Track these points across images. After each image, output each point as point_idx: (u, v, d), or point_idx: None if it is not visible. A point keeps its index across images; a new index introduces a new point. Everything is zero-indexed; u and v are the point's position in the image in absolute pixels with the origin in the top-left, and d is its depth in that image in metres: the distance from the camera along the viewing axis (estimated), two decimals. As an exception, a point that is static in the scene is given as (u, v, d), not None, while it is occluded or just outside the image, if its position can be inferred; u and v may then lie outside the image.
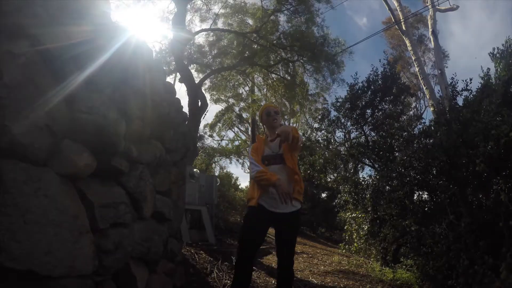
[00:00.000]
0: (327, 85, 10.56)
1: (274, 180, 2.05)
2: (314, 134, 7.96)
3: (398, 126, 5.65)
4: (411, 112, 10.39)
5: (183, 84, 8.16)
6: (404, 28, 10.17)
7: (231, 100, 16.14)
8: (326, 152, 7.29)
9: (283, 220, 2.16)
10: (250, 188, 2.31)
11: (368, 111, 6.51)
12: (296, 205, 2.19)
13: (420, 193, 4.76)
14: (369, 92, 6.41)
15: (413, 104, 16.84)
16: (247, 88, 15.16)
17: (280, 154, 2.25)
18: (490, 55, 4.61)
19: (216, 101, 13.64)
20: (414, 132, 5.40)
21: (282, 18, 9.51)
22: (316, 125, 8.18)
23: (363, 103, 6.42)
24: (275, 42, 9.32)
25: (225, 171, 16.49)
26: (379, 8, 37.01)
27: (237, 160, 19.56)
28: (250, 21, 9.97)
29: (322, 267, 4.96)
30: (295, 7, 8.79)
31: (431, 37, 10.20)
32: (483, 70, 4.50)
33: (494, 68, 4.51)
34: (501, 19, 33.59)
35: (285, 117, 19.07)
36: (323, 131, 7.39)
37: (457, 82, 4.94)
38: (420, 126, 5.59)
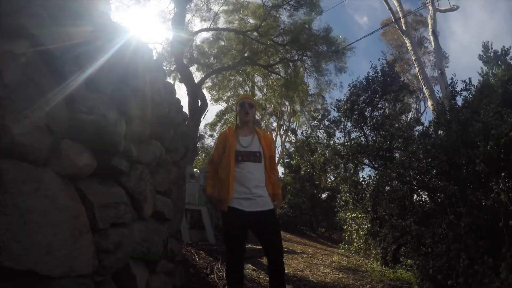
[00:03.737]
0: (328, 81, 10.52)
1: (207, 192, 2.17)
2: (314, 132, 7.96)
3: (398, 126, 5.66)
4: (410, 114, 10.39)
5: (183, 84, 8.17)
6: (404, 28, 10.17)
7: (231, 100, 16.13)
8: (326, 152, 7.30)
9: (262, 217, 2.09)
10: (220, 189, 2.18)
11: (368, 109, 6.51)
12: (272, 205, 2.17)
13: (420, 193, 4.77)
14: (369, 92, 6.42)
15: (414, 106, 16.87)
16: (247, 88, 15.16)
17: (257, 152, 2.18)
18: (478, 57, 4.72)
19: (216, 101, 13.64)
20: (414, 133, 5.41)
21: (283, 14, 9.49)
22: (315, 123, 8.20)
23: (362, 101, 6.43)
24: (275, 39, 9.28)
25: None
26: (379, 7, 37.05)
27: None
28: (251, 20, 9.95)
29: (322, 267, 4.96)
30: (296, 1, 8.75)
31: (431, 37, 10.20)
32: (466, 82, 4.60)
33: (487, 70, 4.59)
34: (502, 18, 33.62)
35: (284, 117, 19.07)
36: (322, 130, 7.41)
37: (457, 82, 4.96)
38: (420, 127, 5.61)
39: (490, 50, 4.63)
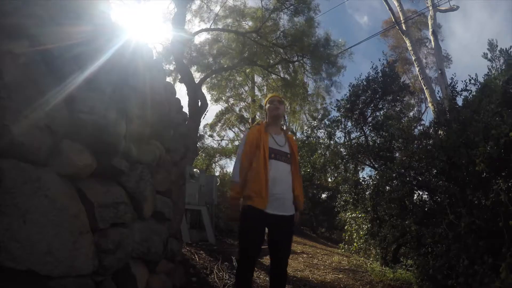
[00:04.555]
0: (326, 87, 10.61)
1: (230, 203, 2.07)
2: (315, 132, 7.97)
3: (398, 127, 5.66)
4: (411, 114, 10.41)
5: (183, 84, 8.17)
6: (404, 28, 10.17)
7: (231, 100, 16.14)
8: (327, 152, 7.30)
9: (282, 223, 2.07)
10: (253, 181, 2.05)
11: (368, 110, 6.51)
12: (293, 210, 2.15)
13: (420, 193, 4.76)
14: (369, 92, 6.41)
15: (415, 107, 16.87)
16: (247, 88, 15.16)
17: (288, 154, 2.20)
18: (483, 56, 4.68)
19: (216, 101, 13.64)
20: (414, 133, 5.40)
21: (282, 17, 9.51)
22: (315, 123, 8.20)
23: (362, 101, 6.43)
24: (274, 41, 9.31)
25: (225, 171, 16.48)
26: (380, 6, 37.07)
27: (237, 160, 19.49)
28: (250, 22, 9.98)
29: (322, 267, 4.96)
30: (295, 6, 8.78)
31: (431, 37, 10.20)
32: (466, 82, 4.56)
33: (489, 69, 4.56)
34: (503, 18, 33.65)
35: (285, 117, 19.06)
36: (322, 130, 7.42)
37: (457, 83, 4.96)
38: (420, 127, 5.60)
39: (496, 48, 4.55)
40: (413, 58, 10.00)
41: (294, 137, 2.58)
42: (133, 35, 1.87)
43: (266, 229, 2.14)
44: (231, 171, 2.26)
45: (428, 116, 19.89)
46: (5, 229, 1.08)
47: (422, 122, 6.39)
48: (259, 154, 2.08)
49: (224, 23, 10.05)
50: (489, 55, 4.58)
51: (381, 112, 6.52)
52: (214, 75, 10.53)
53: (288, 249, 2.16)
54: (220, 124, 18.43)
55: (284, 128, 2.41)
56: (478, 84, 4.42)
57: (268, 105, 2.34)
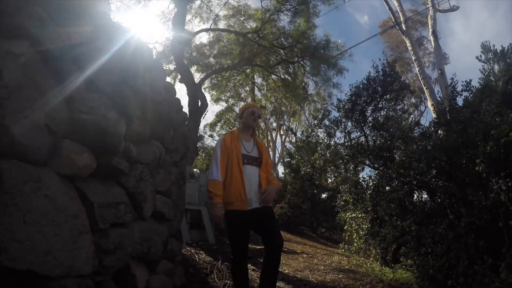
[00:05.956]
0: (326, 87, 10.66)
1: (213, 202, 2.18)
2: (315, 132, 7.99)
3: (398, 127, 5.66)
4: (412, 116, 10.44)
5: (183, 84, 8.17)
6: (404, 28, 10.16)
7: (231, 100, 16.16)
8: (327, 152, 7.30)
9: (258, 211, 2.22)
10: (232, 187, 2.21)
11: (369, 109, 6.51)
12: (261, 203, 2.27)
13: (420, 193, 4.77)
14: (370, 91, 6.41)
15: (417, 106, 16.87)
16: (247, 88, 15.16)
17: (258, 158, 2.37)
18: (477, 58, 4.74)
19: (216, 101, 13.64)
20: (414, 135, 5.41)
21: (282, 18, 9.53)
22: (315, 122, 8.20)
23: (363, 101, 6.43)
24: (275, 42, 9.33)
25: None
26: (380, 6, 37.06)
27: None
28: (252, 23, 10.01)
29: (322, 267, 4.96)
30: (295, 7, 8.80)
31: (431, 37, 10.20)
32: (466, 82, 4.59)
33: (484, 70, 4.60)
34: (503, 18, 33.68)
35: (285, 117, 19.07)
36: (322, 130, 7.43)
37: (457, 83, 4.97)
38: (420, 129, 5.61)
39: (492, 50, 4.63)
40: (413, 58, 9.99)
41: (262, 142, 2.81)
42: (133, 35, 1.87)
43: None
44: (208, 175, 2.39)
45: (428, 116, 19.89)
46: (5, 229, 1.07)
47: (422, 126, 6.37)
48: (234, 162, 2.26)
49: (225, 24, 10.07)
50: (483, 57, 4.64)
51: (382, 113, 6.52)
52: (214, 75, 10.54)
53: (276, 233, 2.24)
54: (220, 124, 18.44)
55: (254, 134, 2.57)
56: (472, 88, 4.47)
57: (248, 113, 2.43)
